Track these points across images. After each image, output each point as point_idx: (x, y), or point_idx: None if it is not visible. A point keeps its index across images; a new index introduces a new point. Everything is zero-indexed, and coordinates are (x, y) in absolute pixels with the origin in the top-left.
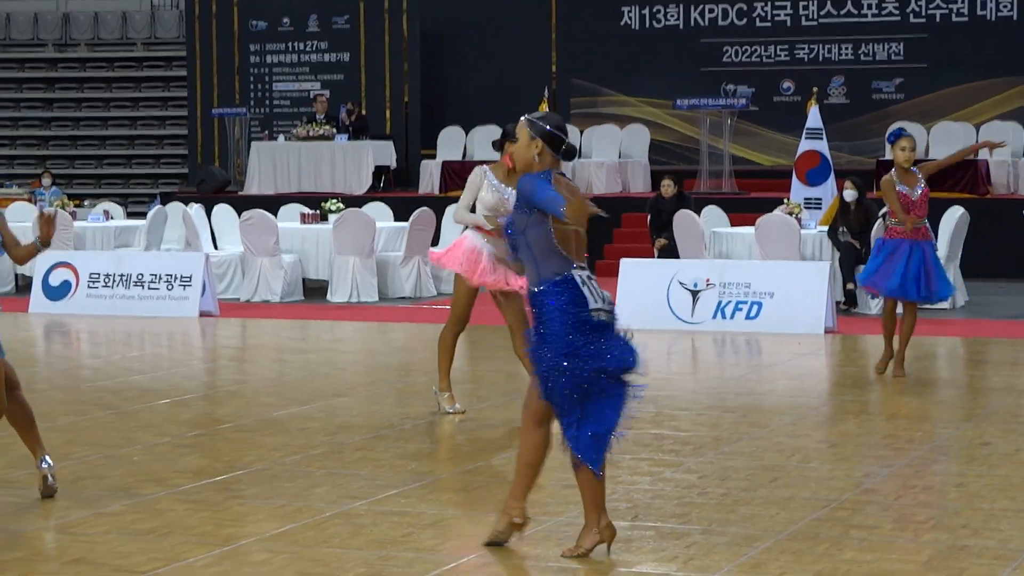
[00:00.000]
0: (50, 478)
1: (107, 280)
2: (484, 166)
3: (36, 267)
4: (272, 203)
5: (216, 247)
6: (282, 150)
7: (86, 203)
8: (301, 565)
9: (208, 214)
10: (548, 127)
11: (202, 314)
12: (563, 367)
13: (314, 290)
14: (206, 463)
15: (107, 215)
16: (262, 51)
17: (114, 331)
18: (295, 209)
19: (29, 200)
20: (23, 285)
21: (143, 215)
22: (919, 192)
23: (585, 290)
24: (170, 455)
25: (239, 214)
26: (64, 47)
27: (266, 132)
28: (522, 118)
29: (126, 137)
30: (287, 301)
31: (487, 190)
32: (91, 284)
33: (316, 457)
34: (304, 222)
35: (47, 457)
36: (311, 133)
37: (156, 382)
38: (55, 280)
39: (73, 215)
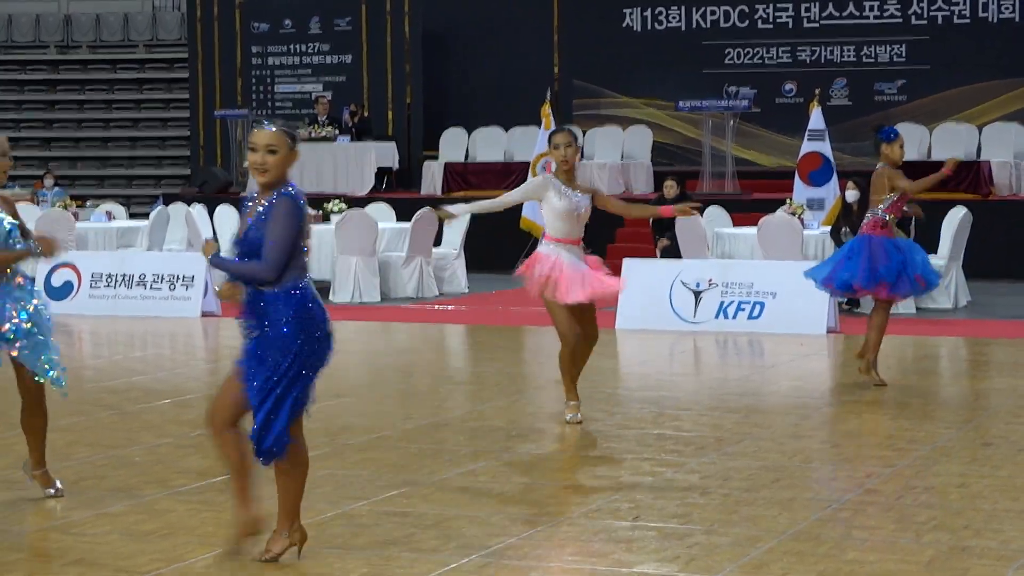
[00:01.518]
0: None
1: (109, 280)
2: (549, 174)
3: (38, 267)
4: None
5: (218, 248)
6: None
7: (88, 204)
8: (303, 565)
9: (210, 215)
10: (295, 134)
11: (204, 314)
12: (294, 372)
13: (317, 290)
14: (208, 464)
15: (109, 216)
16: (264, 53)
17: (116, 331)
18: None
19: (32, 201)
20: None
21: (145, 216)
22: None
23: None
24: (172, 456)
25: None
26: (66, 49)
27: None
28: (276, 128)
29: (128, 138)
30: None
31: (558, 196)
32: (93, 284)
33: (318, 458)
34: (316, 222)
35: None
36: (313, 135)
37: (158, 382)
38: (57, 280)
39: (75, 216)
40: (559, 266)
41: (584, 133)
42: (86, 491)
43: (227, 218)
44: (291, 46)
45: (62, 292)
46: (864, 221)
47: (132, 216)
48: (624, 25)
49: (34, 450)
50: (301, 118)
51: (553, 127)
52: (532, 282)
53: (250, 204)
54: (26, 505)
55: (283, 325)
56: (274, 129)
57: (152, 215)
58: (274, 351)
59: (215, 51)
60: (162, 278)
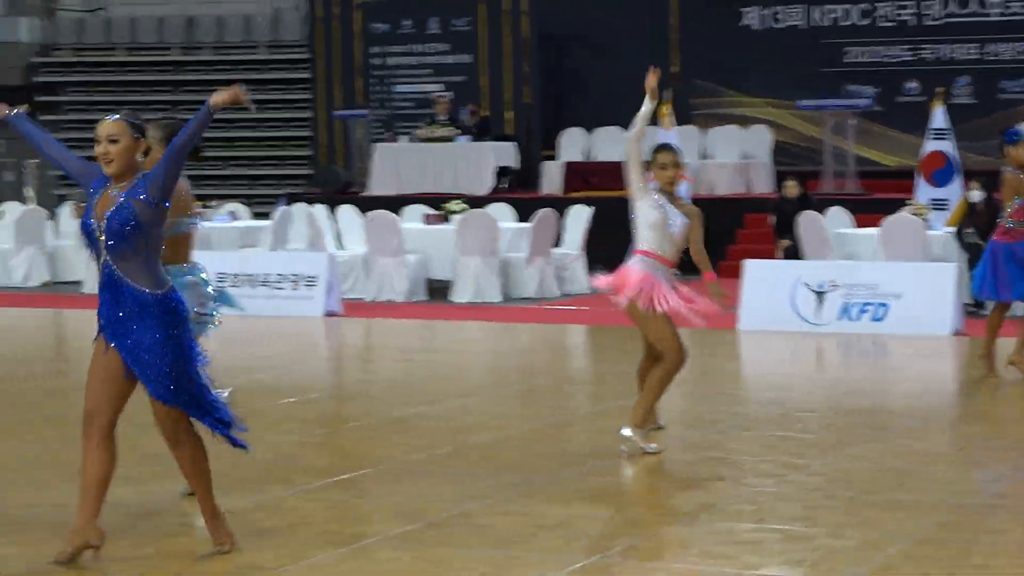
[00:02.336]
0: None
1: (233, 280)
2: (657, 183)
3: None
4: (395, 204)
5: (340, 247)
6: (404, 151)
7: (212, 204)
8: (425, 564)
9: (332, 215)
10: (142, 123)
11: (327, 314)
12: (196, 371)
13: (437, 290)
14: (332, 462)
15: (233, 216)
16: (384, 53)
17: (239, 330)
18: (418, 210)
19: None
20: None
21: (268, 215)
22: None
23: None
24: (296, 454)
25: (363, 215)
26: (189, 50)
27: (388, 133)
28: (119, 118)
29: (251, 139)
30: (411, 301)
31: (652, 207)
32: (217, 284)
33: (441, 457)
34: (427, 222)
35: None
36: (433, 134)
37: (281, 381)
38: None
39: (199, 215)
40: (649, 279)
41: (704, 132)
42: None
43: (349, 217)
44: (410, 46)
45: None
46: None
47: (255, 216)
48: (741, 24)
49: None
50: (421, 118)
51: (673, 127)
52: (626, 296)
53: (102, 191)
54: (153, 502)
55: None
56: (116, 118)
57: (275, 215)
58: None
59: (336, 51)
60: (285, 277)
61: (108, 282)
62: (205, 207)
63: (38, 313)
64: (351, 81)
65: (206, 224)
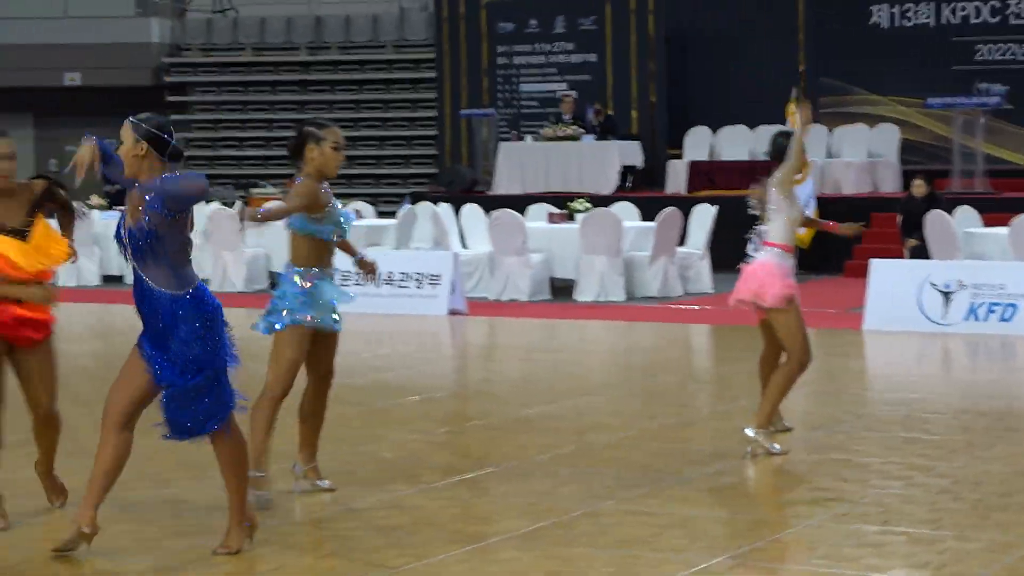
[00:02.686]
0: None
1: (357, 278)
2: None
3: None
4: (519, 203)
5: (465, 246)
6: (529, 150)
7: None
8: (549, 563)
9: (457, 213)
10: (152, 128)
11: (451, 312)
12: (197, 376)
13: (561, 289)
14: (456, 460)
15: (358, 214)
16: (510, 52)
17: (364, 329)
18: (543, 209)
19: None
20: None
21: (393, 214)
22: None
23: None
24: (420, 452)
25: (487, 214)
26: (316, 50)
27: (514, 132)
28: (127, 120)
29: (376, 138)
30: (534, 300)
31: (794, 201)
32: (342, 283)
33: (564, 456)
34: (552, 221)
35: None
36: (558, 133)
37: (405, 379)
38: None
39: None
40: (788, 272)
41: (831, 131)
42: (337, 485)
43: (474, 216)
44: (536, 45)
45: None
46: None
47: (380, 215)
48: (871, 22)
49: (308, 444)
50: (545, 117)
51: (800, 126)
52: (777, 296)
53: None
54: (278, 498)
55: None
56: (125, 121)
57: (400, 214)
58: None
59: (462, 51)
60: (409, 276)
61: (137, 288)
62: None
63: None
64: (477, 80)
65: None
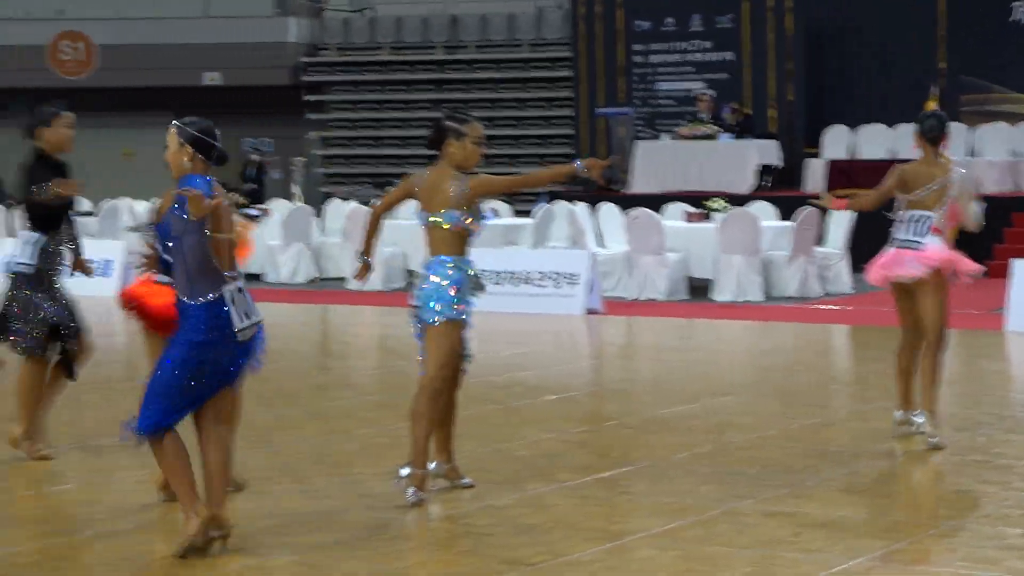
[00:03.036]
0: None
1: (495, 277)
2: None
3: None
4: (656, 202)
5: (602, 245)
6: (666, 149)
7: None
8: (687, 563)
9: (593, 213)
10: (196, 132)
11: (587, 312)
12: (183, 378)
13: (698, 289)
14: (592, 459)
15: (495, 213)
16: (646, 51)
17: (500, 327)
18: (679, 208)
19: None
20: (413, 282)
21: (530, 213)
22: None
23: (232, 310)
24: (556, 451)
25: (624, 213)
26: (453, 49)
27: (650, 131)
28: (172, 123)
29: (512, 137)
30: (671, 300)
31: None
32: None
33: (702, 455)
34: (689, 221)
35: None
36: (695, 132)
37: (542, 378)
38: None
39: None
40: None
41: (971, 130)
42: (475, 482)
43: (611, 216)
44: (673, 44)
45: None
46: None
47: (517, 214)
48: (1012, 19)
49: (447, 443)
50: (682, 116)
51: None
52: (972, 269)
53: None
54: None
55: None
56: (170, 125)
57: (536, 213)
58: None
59: (598, 49)
60: (546, 275)
61: None
62: None
63: (304, 309)
64: (613, 79)
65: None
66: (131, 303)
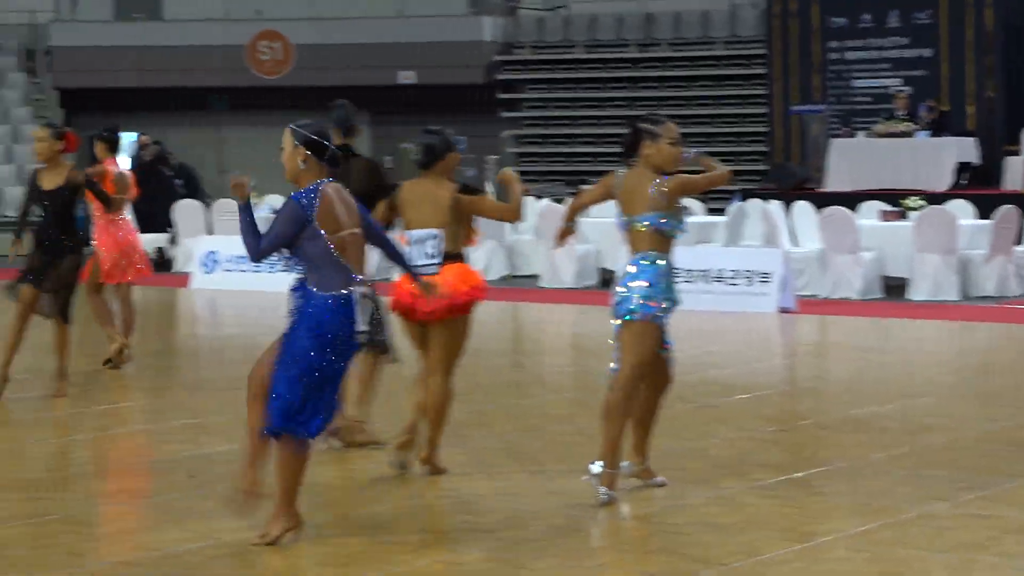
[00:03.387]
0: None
1: (687, 275)
2: None
3: (620, 262)
4: (850, 200)
5: (795, 244)
6: (861, 147)
7: None
8: (882, 565)
9: (787, 211)
10: (311, 134)
11: (780, 310)
12: (305, 373)
13: (893, 288)
14: (786, 459)
15: (687, 211)
16: (842, 47)
17: (693, 325)
18: (874, 206)
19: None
20: (607, 279)
21: (723, 211)
22: None
23: (357, 310)
24: (749, 449)
25: (818, 211)
26: (647, 47)
27: (845, 129)
28: (288, 127)
29: (705, 134)
30: (866, 299)
31: None
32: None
33: (898, 457)
34: (884, 219)
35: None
36: (891, 130)
37: (734, 376)
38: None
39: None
40: None
41: None
42: (669, 481)
43: (804, 214)
44: (869, 40)
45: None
46: None
47: (710, 212)
48: None
49: (643, 443)
50: (878, 113)
51: None
52: None
53: None
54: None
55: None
56: (288, 127)
57: (730, 211)
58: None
59: (793, 47)
60: (739, 273)
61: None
62: None
63: (497, 307)
64: (808, 76)
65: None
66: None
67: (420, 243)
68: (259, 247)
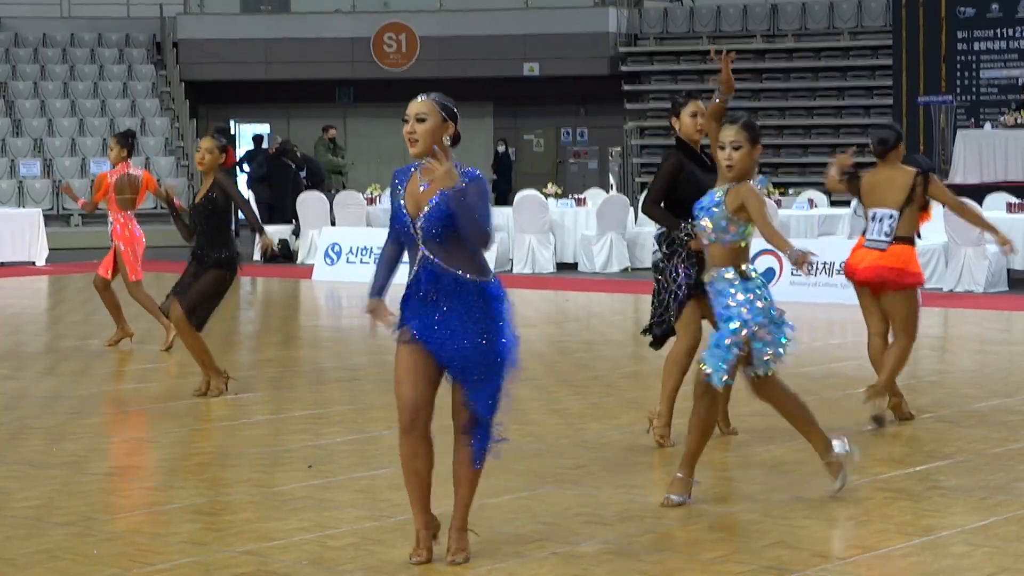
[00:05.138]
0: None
1: (810, 268)
2: None
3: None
4: (977, 192)
5: (918, 236)
6: (988, 138)
7: (791, 191)
8: (1003, 560)
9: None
10: (454, 109)
11: None
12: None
13: (1018, 281)
14: (906, 452)
15: (811, 203)
16: (969, 38)
17: (816, 318)
18: (1001, 198)
19: None
20: None
21: (846, 204)
22: None
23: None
24: (871, 442)
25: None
26: (772, 38)
27: (972, 120)
28: (427, 97)
29: (831, 126)
30: (990, 291)
31: None
32: (794, 271)
33: (1019, 451)
34: (1010, 211)
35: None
36: (1019, 121)
37: (858, 369)
38: (760, 267)
39: (778, 203)
40: None
41: None
42: (787, 474)
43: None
44: (998, 30)
45: (765, 278)
46: None
47: (833, 204)
48: None
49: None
50: (1006, 104)
51: None
52: None
53: (405, 183)
54: (731, 487)
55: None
56: (425, 98)
57: (853, 203)
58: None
59: (919, 37)
60: None
61: (426, 275)
62: (782, 195)
63: (618, 299)
64: (935, 67)
65: (784, 212)
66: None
67: (879, 221)
68: (489, 229)
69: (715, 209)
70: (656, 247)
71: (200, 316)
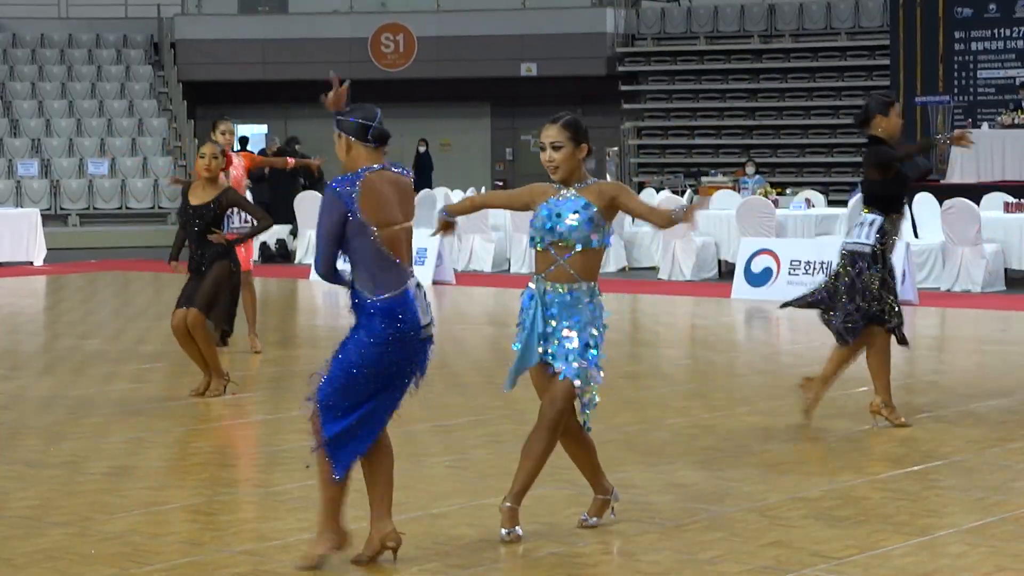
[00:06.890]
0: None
1: (807, 267)
2: None
3: (739, 254)
4: (974, 192)
5: (916, 236)
6: (985, 138)
7: (788, 191)
8: (999, 559)
9: (909, 203)
10: (352, 119)
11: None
12: (354, 376)
13: (1015, 281)
14: (903, 452)
15: (808, 203)
16: (967, 38)
17: (814, 318)
18: (998, 198)
19: (733, 188)
20: (726, 271)
21: (844, 204)
22: None
23: (417, 306)
24: (867, 442)
25: (940, 203)
26: (769, 38)
27: (969, 120)
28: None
29: (828, 126)
30: (987, 291)
31: None
32: (791, 271)
33: (1016, 451)
34: (1007, 211)
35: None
36: (1016, 121)
37: (855, 369)
38: (757, 267)
39: (775, 203)
40: None
41: None
42: (785, 474)
43: (927, 206)
44: (995, 31)
45: (761, 278)
46: None
47: (830, 204)
48: None
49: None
50: (1003, 104)
51: None
52: None
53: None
54: (728, 486)
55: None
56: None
57: (850, 203)
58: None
59: (917, 37)
60: None
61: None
62: (779, 195)
63: (615, 298)
64: (932, 67)
65: (782, 212)
66: None
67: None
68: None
69: (573, 216)
70: (859, 230)
71: (220, 312)
